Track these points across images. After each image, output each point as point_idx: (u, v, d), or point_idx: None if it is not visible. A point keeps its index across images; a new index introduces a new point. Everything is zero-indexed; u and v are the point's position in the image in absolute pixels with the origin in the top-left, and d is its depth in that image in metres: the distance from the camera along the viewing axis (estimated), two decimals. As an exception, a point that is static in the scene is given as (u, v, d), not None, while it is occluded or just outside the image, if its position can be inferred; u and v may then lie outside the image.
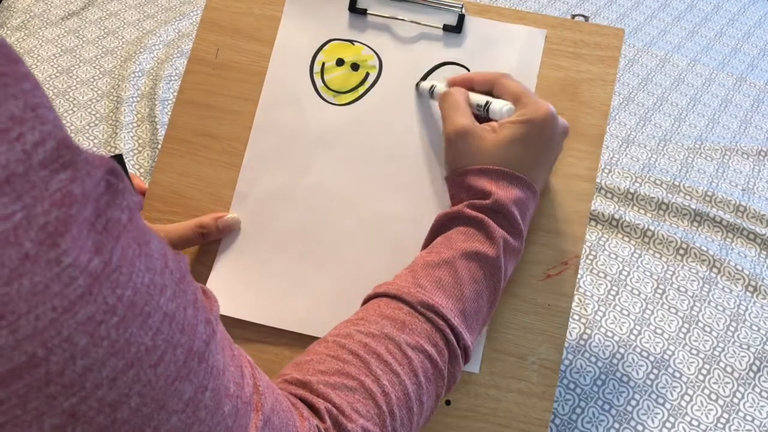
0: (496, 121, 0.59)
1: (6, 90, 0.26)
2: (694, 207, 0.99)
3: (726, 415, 0.78)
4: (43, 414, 0.28)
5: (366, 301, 0.56)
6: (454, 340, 0.52)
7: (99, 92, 1.08)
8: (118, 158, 0.64)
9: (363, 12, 0.68)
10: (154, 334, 0.31)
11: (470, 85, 0.62)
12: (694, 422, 0.77)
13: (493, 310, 0.57)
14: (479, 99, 0.60)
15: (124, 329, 0.29)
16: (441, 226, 0.58)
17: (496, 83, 0.60)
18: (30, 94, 0.27)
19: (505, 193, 0.56)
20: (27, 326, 0.26)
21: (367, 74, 0.68)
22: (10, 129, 0.26)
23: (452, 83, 0.63)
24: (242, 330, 0.64)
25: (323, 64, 0.68)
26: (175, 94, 0.87)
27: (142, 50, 1.15)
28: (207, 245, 0.66)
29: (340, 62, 0.68)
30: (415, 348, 0.50)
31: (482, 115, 0.60)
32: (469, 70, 0.67)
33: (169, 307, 0.32)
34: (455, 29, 0.67)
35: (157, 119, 1.03)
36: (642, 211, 0.99)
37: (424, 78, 0.67)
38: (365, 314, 0.52)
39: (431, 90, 0.65)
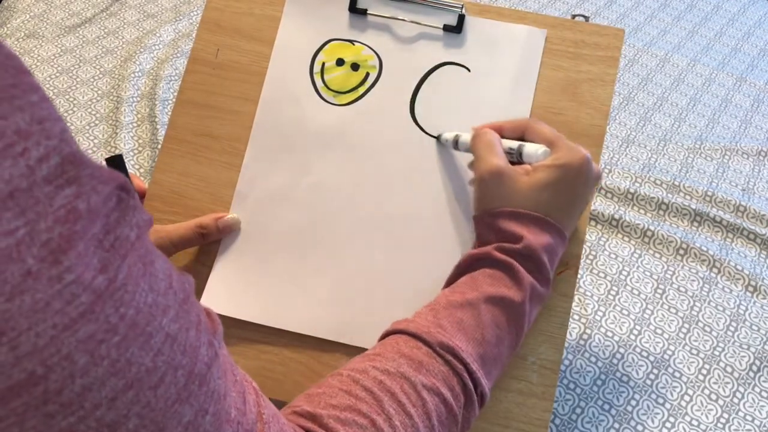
0: (528, 164, 0.58)
1: (13, 102, 0.26)
2: (694, 207, 0.99)
3: (726, 415, 0.78)
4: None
5: (384, 336, 0.55)
6: (471, 386, 0.51)
7: (99, 92, 1.08)
8: (118, 158, 0.64)
9: (363, 12, 0.68)
10: (155, 355, 0.30)
11: (499, 131, 0.61)
12: (694, 422, 0.77)
13: (512, 355, 0.56)
14: (511, 143, 0.59)
15: (125, 349, 0.29)
16: (467, 266, 0.57)
17: (528, 128, 0.60)
18: (37, 106, 0.27)
19: (536, 239, 0.55)
20: (27, 343, 0.26)
21: (367, 74, 0.68)
22: (15, 143, 0.26)
23: (480, 128, 0.62)
24: (242, 330, 0.64)
25: (323, 64, 0.68)
26: (176, 94, 0.87)
27: (142, 50, 1.15)
28: (207, 245, 0.66)
29: (340, 62, 0.68)
30: (430, 390, 0.49)
31: (514, 160, 0.59)
32: (469, 71, 0.67)
33: (172, 328, 0.31)
34: (455, 29, 0.67)
35: (157, 119, 1.03)
36: (642, 211, 0.99)
37: (425, 77, 0.67)
38: (382, 350, 0.51)
39: (455, 140, 0.63)
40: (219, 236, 0.65)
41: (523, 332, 0.56)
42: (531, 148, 0.57)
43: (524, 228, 0.56)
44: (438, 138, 0.66)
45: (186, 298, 0.33)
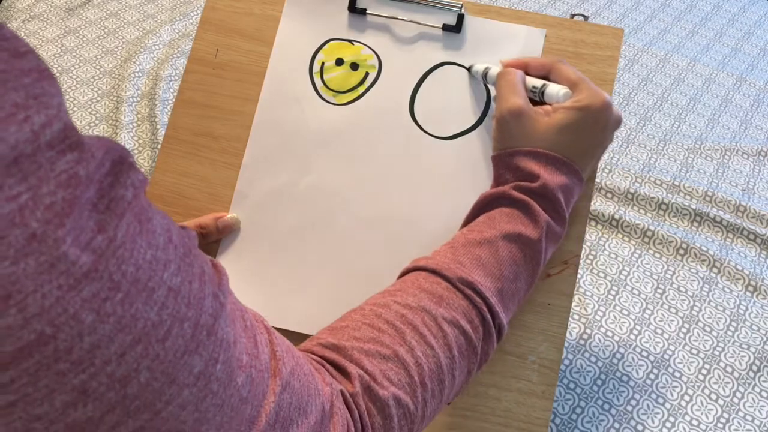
0: (550, 105, 0.59)
1: (6, 84, 0.27)
2: (694, 207, 0.99)
3: (726, 415, 0.78)
4: (54, 391, 0.28)
5: (403, 273, 0.56)
6: (489, 319, 0.52)
7: (99, 92, 1.08)
8: None
9: (362, 12, 0.68)
10: (160, 308, 0.31)
11: (525, 69, 0.62)
12: (694, 422, 0.77)
13: (529, 292, 0.57)
14: (535, 82, 0.60)
15: (130, 305, 0.29)
16: (484, 206, 0.58)
17: (553, 68, 0.60)
18: (31, 86, 0.27)
19: (552, 178, 0.56)
20: (34, 305, 0.26)
21: (367, 74, 0.68)
22: (15, 113, 0.26)
23: (507, 66, 0.62)
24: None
25: (323, 63, 0.68)
26: (175, 94, 0.87)
27: (142, 50, 1.15)
28: (207, 245, 0.66)
29: (339, 62, 0.68)
30: (450, 322, 0.50)
31: (536, 99, 0.60)
32: (469, 70, 0.67)
33: (174, 282, 0.32)
34: (455, 29, 0.67)
35: (157, 119, 1.03)
36: (642, 211, 0.99)
37: (425, 76, 0.67)
38: (403, 286, 0.52)
39: (485, 73, 0.64)
40: (219, 236, 0.66)
41: (539, 269, 0.56)
42: (553, 89, 0.58)
43: (541, 167, 0.56)
44: (469, 69, 0.67)
45: (187, 252, 0.34)
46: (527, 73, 0.61)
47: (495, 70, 0.63)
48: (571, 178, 0.57)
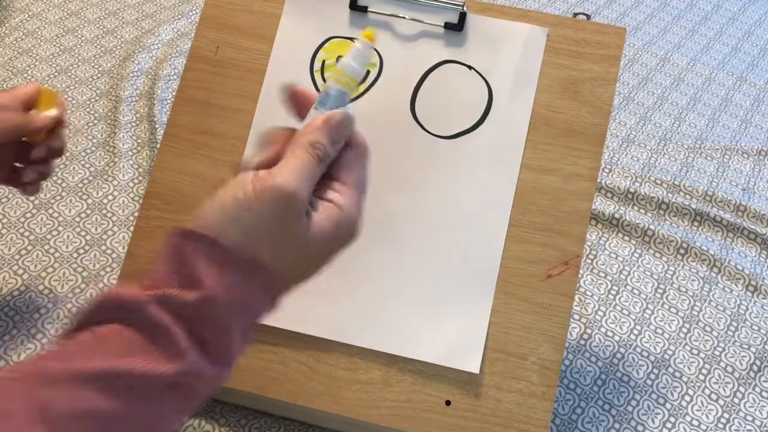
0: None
1: None
2: (694, 207, 0.98)
3: (726, 415, 0.78)
4: None
5: None
6: None
7: (98, 92, 1.08)
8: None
9: (364, 9, 0.68)
10: None
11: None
12: (695, 422, 0.77)
13: None
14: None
15: None
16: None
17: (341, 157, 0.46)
18: None
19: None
20: None
21: (368, 72, 0.68)
22: None
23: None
24: (242, 329, 0.64)
25: (324, 61, 0.68)
26: (174, 93, 0.87)
27: (140, 50, 1.15)
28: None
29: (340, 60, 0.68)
30: None
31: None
32: (470, 69, 0.66)
33: None
34: (456, 27, 0.67)
35: (156, 119, 1.03)
36: (642, 211, 0.99)
37: (426, 75, 0.67)
38: None
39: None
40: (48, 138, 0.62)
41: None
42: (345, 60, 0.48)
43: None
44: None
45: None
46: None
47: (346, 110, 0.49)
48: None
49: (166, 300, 0.38)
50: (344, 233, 0.44)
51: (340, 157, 0.46)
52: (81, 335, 0.38)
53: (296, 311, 0.64)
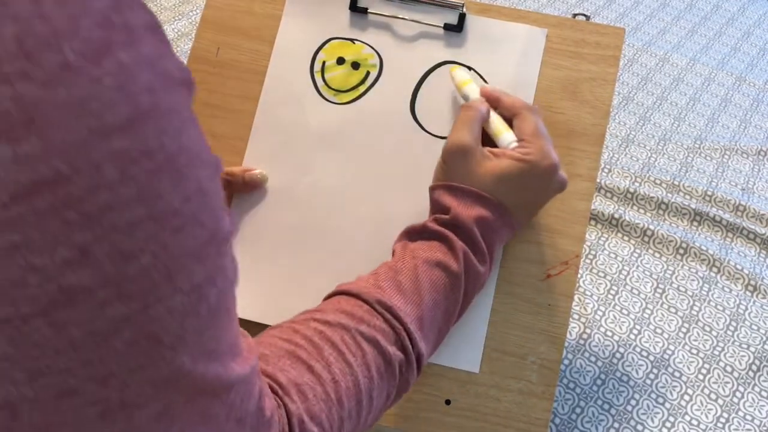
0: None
1: None
2: (693, 206, 0.99)
3: (726, 415, 0.78)
4: (57, 243, 0.26)
5: (326, 298, 0.55)
6: (409, 345, 0.51)
7: (98, 91, 1.08)
8: None
9: (364, 11, 0.68)
10: (184, 200, 0.29)
11: (496, 103, 0.61)
12: (694, 422, 0.77)
13: (448, 327, 0.56)
14: (496, 122, 0.60)
15: (157, 180, 0.28)
16: (408, 239, 0.58)
17: (519, 115, 0.59)
18: None
19: (465, 211, 0.55)
20: (56, 137, 0.25)
21: (368, 73, 0.68)
22: None
23: (483, 93, 0.62)
24: (241, 329, 0.64)
25: (324, 62, 0.68)
26: (175, 92, 0.87)
27: (141, 49, 1.15)
28: (228, 197, 0.66)
29: (340, 61, 0.68)
30: (370, 341, 0.49)
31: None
32: (470, 69, 0.67)
33: (205, 185, 0.30)
34: (456, 28, 0.67)
35: (156, 118, 1.03)
36: (642, 211, 0.99)
37: (426, 76, 0.67)
38: (323, 306, 0.52)
39: (460, 86, 0.64)
40: (244, 190, 0.66)
41: (458, 306, 0.56)
42: (505, 140, 0.58)
43: (453, 199, 0.56)
44: (451, 72, 0.65)
45: (217, 170, 0.33)
46: (496, 107, 0.61)
47: (471, 90, 0.62)
48: (492, 213, 0.56)
49: (436, 220, 0.57)
50: (526, 172, 0.56)
51: (519, 123, 0.59)
52: (399, 252, 0.57)
53: (295, 311, 0.64)
